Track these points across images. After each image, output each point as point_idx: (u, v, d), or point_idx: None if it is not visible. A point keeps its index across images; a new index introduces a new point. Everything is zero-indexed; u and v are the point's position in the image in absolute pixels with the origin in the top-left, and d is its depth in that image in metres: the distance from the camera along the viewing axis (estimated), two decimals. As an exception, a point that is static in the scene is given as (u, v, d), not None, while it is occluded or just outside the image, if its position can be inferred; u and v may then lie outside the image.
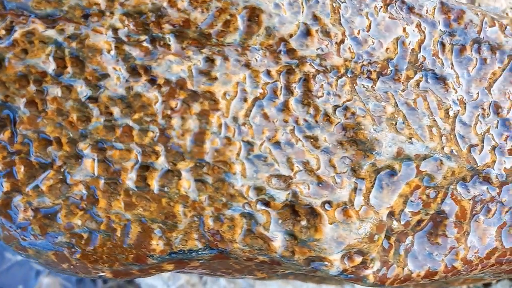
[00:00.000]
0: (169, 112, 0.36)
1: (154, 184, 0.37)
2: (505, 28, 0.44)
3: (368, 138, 0.39)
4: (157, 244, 0.37)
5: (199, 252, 0.39)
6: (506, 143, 0.45)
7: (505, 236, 0.46)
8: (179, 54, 0.37)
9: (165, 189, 0.37)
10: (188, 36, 0.37)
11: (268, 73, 0.39)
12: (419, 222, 0.44)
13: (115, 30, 0.36)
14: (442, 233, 0.45)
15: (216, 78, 0.38)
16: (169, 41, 0.37)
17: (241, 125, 0.38)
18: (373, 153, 0.39)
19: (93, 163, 0.37)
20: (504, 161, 0.45)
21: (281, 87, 0.39)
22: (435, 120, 0.42)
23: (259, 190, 0.37)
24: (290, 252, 0.38)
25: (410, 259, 0.45)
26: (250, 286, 0.92)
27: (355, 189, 0.39)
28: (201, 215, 0.37)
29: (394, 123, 0.40)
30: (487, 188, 0.45)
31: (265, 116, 0.39)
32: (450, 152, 0.42)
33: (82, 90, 0.36)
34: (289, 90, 0.39)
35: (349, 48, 0.40)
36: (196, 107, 0.37)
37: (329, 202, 0.38)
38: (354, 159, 0.40)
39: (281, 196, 0.37)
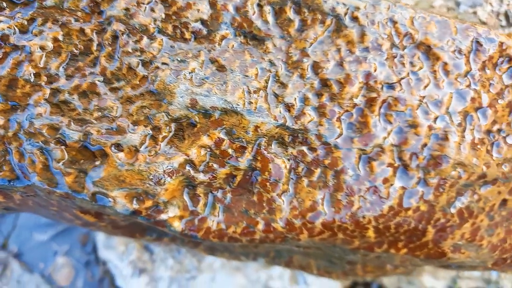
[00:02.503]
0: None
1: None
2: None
3: (162, 88, 0.42)
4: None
5: (14, 183, 0.44)
6: (326, 103, 0.44)
7: (328, 201, 0.45)
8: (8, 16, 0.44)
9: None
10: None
11: (82, 31, 0.44)
12: (232, 177, 0.45)
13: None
14: (257, 190, 0.45)
15: (36, 35, 0.44)
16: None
17: (53, 75, 0.43)
18: (165, 102, 0.42)
19: None
20: (323, 122, 0.45)
21: (96, 44, 0.44)
22: (246, 77, 0.44)
23: (55, 130, 0.42)
24: (80, 188, 0.42)
25: (226, 214, 0.46)
26: (195, 268, 0.95)
27: (148, 136, 0.42)
28: (10, 149, 0.43)
29: (193, 77, 0.43)
30: (307, 149, 0.45)
31: (79, 68, 0.44)
32: (255, 108, 0.43)
33: None
34: (102, 46, 0.44)
35: (158, 10, 0.44)
36: (11, 59, 0.43)
37: (119, 145, 0.42)
38: (151, 108, 0.43)
39: (75, 136, 0.42)
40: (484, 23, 0.96)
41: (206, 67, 0.44)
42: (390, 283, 1.09)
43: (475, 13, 0.97)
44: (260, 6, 0.45)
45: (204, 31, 0.45)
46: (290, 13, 0.45)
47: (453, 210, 0.48)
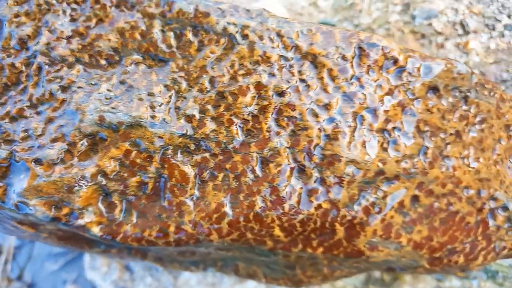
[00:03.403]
0: None
1: None
2: (221, 12, 0.50)
3: (76, 109, 0.49)
4: None
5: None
6: (224, 113, 0.49)
7: (232, 203, 0.49)
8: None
9: None
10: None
11: (13, 65, 0.52)
12: (144, 184, 0.50)
13: None
14: (167, 196, 0.50)
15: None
16: None
17: (-12, 103, 0.51)
18: (77, 121, 0.48)
19: None
20: (222, 130, 0.49)
21: (26, 74, 0.51)
22: (150, 95, 0.50)
23: (-13, 149, 0.49)
24: (7, 199, 0.48)
25: (141, 219, 0.50)
26: (171, 285, 0.98)
27: (64, 150, 0.48)
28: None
29: (103, 97, 0.49)
30: (210, 155, 0.49)
31: (11, 97, 0.51)
32: (159, 121, 0.49)
33: None
34: (29, 76, 0.51)
35: (74, 42, 0.51)
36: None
37: (39, 159, 0.48)
38: (66, 126, 0.49)
39: (3, 154, 0.48)
40: (440, 33, 0.99)
41: (117, 88, 0.50)
42: (373, 297, 1.08)
43: (430, 24, 1.00)
44: (163, 31, 0.51)
45: (116, 57, 0.51)
46: (189, 35, 0.51)
47: (357, 207, 0.51)
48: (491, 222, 0.60)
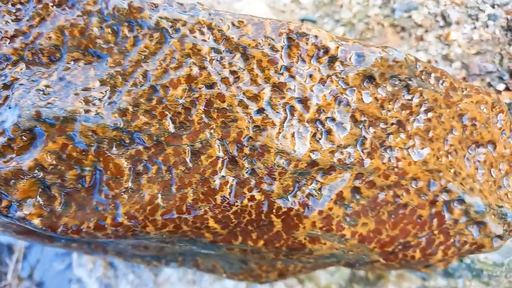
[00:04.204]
0: None
1: None
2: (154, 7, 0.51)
3: (15, 104, 0.50)
4: None
5: None
6: (157, 106, 0.50)
7: (165, 194, 0.50)
8: None
9: None
10: None
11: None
12: (82, 177, 0.51)
13: None
14: (103, 189, 0.51)
15: None
16: None
17: None
18: (17, 115, 0.50)
19: None
20: (155, 123, 0.50)
21: (-26, 74, 0.54)
22: (87, 89, 0.51)
23: None
24: (-50, 192, 0.50)
25: (80, 212, 0.52)
26: (152, 282, 1.00)
27: (5, 144, 0.50)
28: None
29: (41, 93, 0.51)
30: (143, 148, 0.50)
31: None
32: (93, 115, 0.50)
33: None
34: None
35: (18, 41, 0.53)
36: None
37: (-20, 154, 0.50)
38: (7, 122, 0.51)
39: None
40: (420, 25, 0.97)
41: (56, 84, 0.51)
42: (358, 296, 1.06)
43: (410, 17, 0.98)
44: (101, 28, 0.52)
45: (58, 54, 0.53)
46: (126, 31, 0.52)
47: (293, 199, 0.50)
48: (447, 216, 0.59)
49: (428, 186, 0.56)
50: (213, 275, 0.95)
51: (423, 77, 0.54)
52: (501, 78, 0.97)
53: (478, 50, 0.97)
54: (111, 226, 0.51)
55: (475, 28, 0.97)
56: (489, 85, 0.98)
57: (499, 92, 0.96)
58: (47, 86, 0.51)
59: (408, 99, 0.53)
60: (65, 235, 0.52)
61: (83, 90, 0.50)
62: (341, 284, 1.06)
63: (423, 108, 0.54)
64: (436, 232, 0.59)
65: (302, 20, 1.10)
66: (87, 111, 0.50)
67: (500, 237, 0.62)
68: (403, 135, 0.53)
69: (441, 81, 0.55)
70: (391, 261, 0.61)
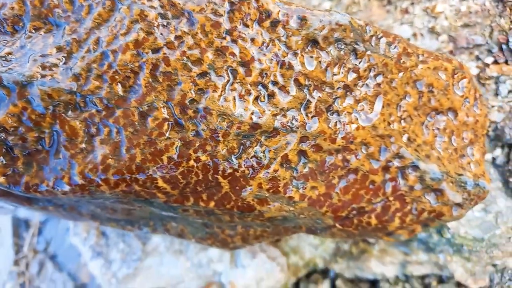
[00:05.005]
0: None
1: None
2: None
3: (-21, 70, 0.54)
4: None
5: None
6: (108, 71, 0.52)
7: (116, 155, 0.53)
8: None
9: None
10: None
11: None
12: (42, 139, 0.55)
13: None
14: (61, 149, 0.54)
15: None
16: None
17: None
18: (-21, 80, 0.54)
19: None
20: (106, 87, 0.52)
21: None
22: (45, 56, 0.54)
23: None
24: None
25: (42, 171, 0.55)
26: (140, 250, 1.04)
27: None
28: None
29: (3, 60, 0.54)
30: (96, 111, 0.53)
31: None
32: (49, 80, 0.53)
33: None
34: None
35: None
36: None
37: (-51, 116, 0.54)
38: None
39: None
40: (406, -3, 0.95)
41: (17, 51, 0.55)
42: (342, 270, 1.08)
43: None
44: (59, -3, 0.55)
45: (21, 24, 0.56)
46: (82, 1, 0.54)
47: (237, 161, 0.52)
48: (401, 182, 0.59)
49: (379, 152, 0.56)
50: (198, 244, 0.98)
51: (373, 41, 0.54)
52: (490, 51, 0.94)
53: (467, 22, 0.94)
54: (68, 185, 0.54)
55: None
56: (477, 58, 0.95)
57: (487, 65, 0.94)
58: (9, 53, 0.54)
59: (356, 64, 0.53)
60: (28, 193, 0.55)
61: (41, 56, 0.53)
62: (325, 258, 1.07)
63: (372, 73, 0.54)
64: (391, 198, 0.60)
65: (290, -4, 1.09)
66: (43, 76, 0.52)
67: (459, 205, 0.62)
68: (350, 100, 0.54)
69: (393, 46, 0.55)
70: (347, 226, 0.62)
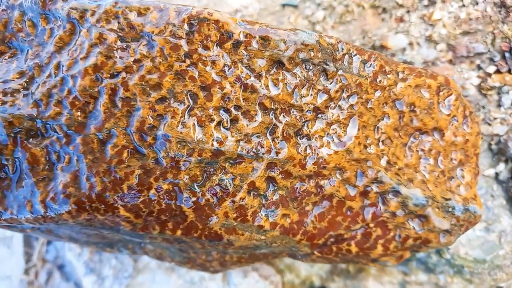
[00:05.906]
0: None
1: None
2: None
3: None
4: None
5: None
6: (68, 96, 0.51)
7: (75, 183, 0.51)
8: None
9: None
10: None
11: None
12: (5, 166, 0.54)
13: None
14: (24, 177, 0.53)
15: None
16: None
17: None
18: None
19: None
20: (66, 113, 0.51)
21: None
22: (7, 82, 0.53)
23: None
24: None
25: (5, 199, 0.54)
26: (131, 267, 1.03)
27: None
28: None
29: (-34, 85, 0.53)
30: (56, 138, 0.52)
31: None
32: (10, 106, 0.52)
33: None
34: None
35: None
36: None
37: None
38: None
39: None
40: (401, 5, 0.91)
41: (-18, 76, 0.54)
42: (339, 289, 1.04)
43: (390, -4, 0.92)
44: (24, 21, 0.54)
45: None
46: (44, 24, 0.53)
47: (201, 189, 0.50)
48: (382, 208, 0.55)
49: (356, 177, 0.53)
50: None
51: (345, 60, 0.50)
52: (492, 60, 0.89)
53: (467, 29, 0.89)
54: (32, 213, 0.52)
55: (463, 6, 0.89)
56: (479, 67, 0.90)
57: (488, 75, 0.88)
58: (-27, 79, 0.53)
59: (326, 85, 0.50)
60: (-7, 220, 0.54)
61: (2, 82, 0.52)
62: (322, 276, 1.03)
63: (345, 94, 0.51)
64: (372, 225, 0.56)
65: (284, 6, 1.06)
66: (4, 103, 0.51)
67: (447, 231, 0.58)
68: (321, 123, 0.50)
69: (368, 64, 0.51)
70: (326, 254, 0.59)
